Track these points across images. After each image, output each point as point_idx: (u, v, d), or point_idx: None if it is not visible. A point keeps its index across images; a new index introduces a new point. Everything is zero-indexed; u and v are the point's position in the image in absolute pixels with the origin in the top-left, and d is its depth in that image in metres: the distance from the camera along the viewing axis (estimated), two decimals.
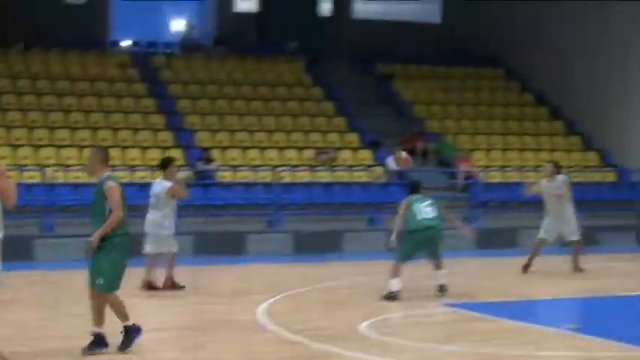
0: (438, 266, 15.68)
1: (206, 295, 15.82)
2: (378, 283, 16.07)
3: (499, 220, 26.05)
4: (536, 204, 23.48)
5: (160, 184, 16.07)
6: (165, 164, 16.21)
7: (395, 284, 15.10)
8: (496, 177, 28.13)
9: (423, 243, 15.54)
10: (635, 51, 29.23)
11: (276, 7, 34.53)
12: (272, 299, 15.03)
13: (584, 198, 24.14)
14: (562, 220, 18.88)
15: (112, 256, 10.56)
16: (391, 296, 14.98)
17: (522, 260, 18.99)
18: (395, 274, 15.18)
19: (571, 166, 27.91)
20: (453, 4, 36.70)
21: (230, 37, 33.66)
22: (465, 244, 21.95)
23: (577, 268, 18.79)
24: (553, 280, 18.22)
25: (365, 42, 34.07)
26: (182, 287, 16.10)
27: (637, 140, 29.12)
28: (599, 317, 14.33)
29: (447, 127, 30.14)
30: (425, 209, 15.53)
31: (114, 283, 10.63)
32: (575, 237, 18.86)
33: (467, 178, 27.22)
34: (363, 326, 12.48)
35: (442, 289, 15.48)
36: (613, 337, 11.82)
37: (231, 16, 35.35)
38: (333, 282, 17.60)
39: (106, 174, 10.75)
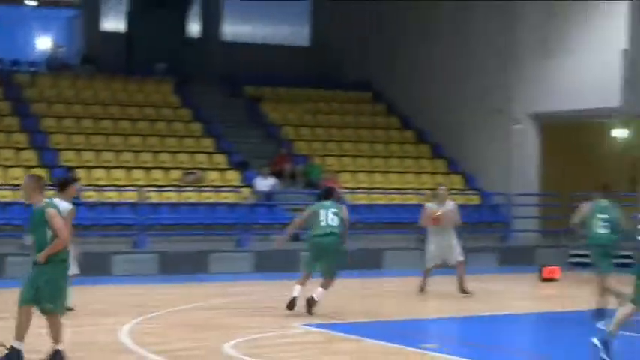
0: (324, 285, 15.79)
1: (70, 316, 15.55)
2: (244, 303, 16.07)
3: (365, 241, 26.28)
4: (402, 225, 23.92)
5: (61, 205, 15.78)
6: (63, 184, 15.71)
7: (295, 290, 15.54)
8: (362, 199, 28.40)
9: (320, 250, 15.74)
10: (493, 77, 29.85)
11: (144, 27, 34.22)
12: (137, 320, 14.88)
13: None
14: (444, 244, 18.96)
15: (53, 277, 10.92)
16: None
17: (388, 281, 19.21)
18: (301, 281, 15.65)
19: (433, 189, 28.35)
20: (322, 27, 37.08)
21: (98, 57, 33.29)
22: None
23: (463, 290, 18.79)
24: (417, 301, 18.44)
25: (234, 64, 34.13)
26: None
27: (498, 164, 29.74)
28: (459, 337, 14.62)
29: (314, 150, 30.32)
30: (331, 216, 15.70)
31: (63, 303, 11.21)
32: (460, 257, 18.92)
33: None
34: (228, 347, 12.45)
35: (309, 304, 15.55)
36: (470, 356, 12.07)
37: (99, 36, 34.94)
38: (199, 302, 17.51)
39: (45, 200, 11.02)
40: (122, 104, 30.10)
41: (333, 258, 15.80)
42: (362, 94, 34.37)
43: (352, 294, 19.01)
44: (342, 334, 13.77)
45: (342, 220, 15.81)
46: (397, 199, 28.28)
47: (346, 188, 28.11)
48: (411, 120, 32.93)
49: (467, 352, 12.73)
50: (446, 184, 29.38)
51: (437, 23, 31.76)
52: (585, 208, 16.25)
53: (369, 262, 24.77)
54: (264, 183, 26.92)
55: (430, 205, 19.20)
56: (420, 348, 12.65)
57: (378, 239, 26.52)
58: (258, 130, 31.23)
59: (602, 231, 15.99)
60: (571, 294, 20.07)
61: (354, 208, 27.27)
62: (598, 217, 15.98)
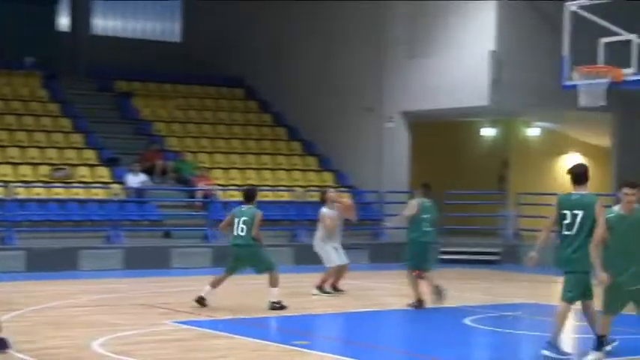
0: (271, 282, 16.00)
1: None
2: (114, 300, 15.83)
3: None
4: (274, 222, 23.92)
5: None
6: None
7: (207, 289, 15.74)
8: (235, 195, 28.26)
9: (236, 257, 16.06)
10: (365, 75, 30.05)
11: (11, 20, 33.41)
12: (2, 318, 14.49)
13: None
14: (338, 242, 18.98)
15: None
16: None
17: (260, 277, 19.09)
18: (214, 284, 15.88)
19: (309, 186, 28.48)
20: (193, 23, 36.84)
21: None
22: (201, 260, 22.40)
23: (335, 287, 18.78)
24: (288, 298, 18.40)
25: (104, 58, 33.67)
26: None
27: (370, 162, 29.95)
28: (330, 334, 14.66)
29: (186, 146, 30.08)
30: (241, 225, 15.82)
31: None
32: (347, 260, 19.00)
33: (205, 196, 27.21)
34: (96, 344, 12.22)
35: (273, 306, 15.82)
36: (340, 353, 12.11)
37: None
38: (67, 300, 17.18)
39: None
40: None
41: (253, 262, 16.05)
42: (235, 90, 34.28)
43: (224, 290, 18.89)
44: (212, 331, 13.67)
45: (250, 228, 15.80)
46: (270, 196, 28.22)
47: (218, 185, 28.01)
48: (284, 117, 32.96)
49: (338, 349, 12.77)
50: (317, 181, 29.78)
51: (311, 21, 31.77)
52: (413, 205, 16.60)
53: None
54: (135, 179, 26.60)
55: (325, 211, 18.96)
56: (291, 345, 12.62)
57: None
58: (128, 125, 30.81)
59: (427, 229, 16.61)
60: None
61: (226, 205, 27.32)
62: (423, 216, 16.58)
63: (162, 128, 30.72)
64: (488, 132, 32.90)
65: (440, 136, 31.71)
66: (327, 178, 30.38)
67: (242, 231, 15.79)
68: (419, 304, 16.68)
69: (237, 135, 31.58)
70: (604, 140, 29.90)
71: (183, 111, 32.07)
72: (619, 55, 14.84)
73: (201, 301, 15.89)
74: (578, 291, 11.72)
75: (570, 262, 11.57)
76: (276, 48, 33.09)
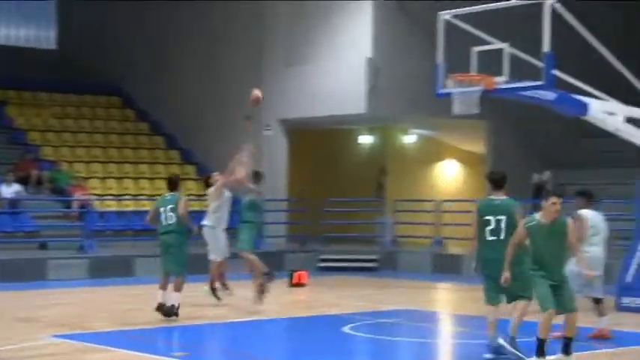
0: (176, 287, 15.62)
1: None
2: None
3: (113, 248, 25.92)
4: (151, 232, 23.58)
5: None
6: None
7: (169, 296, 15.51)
8: (112, 205, 28.00)
9: (163, 248, 15.69)
10: (243, 83, 29.92)
11: None
12: None
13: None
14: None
15: None
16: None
17: (138, 288, 18.90)
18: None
19: (189, 195, 28.27)
20: (69, 29, 36.30)
21: None
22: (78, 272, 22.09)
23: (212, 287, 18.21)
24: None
25: None
26: None
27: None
28: (211, 344, 14.57)
29: (62, 155, 29.60)
30: (169, 213, 15.51)
31: None
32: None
33: (82, 206, 26.79)
34: None
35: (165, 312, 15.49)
36: None
37: None
38: None
39: None
40: None
41: (174, 256, 15.60)
42: (112, 98, 33.88)
43: (102, 302, 18.69)
44: (92, 345, 13.44)
45: (178, 215, 15.53)
46: (148, 205, 27.92)
47: (95, 194, 27.65)
48: (162, 125, 32.71)
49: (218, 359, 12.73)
50: (197, 189, 29.57)
51: (190, 27, 31.57)
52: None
53: (120, 270, 24.27)
54: (9, 190, 26.04)
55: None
56: (171, 357, 12.53)
57: (129, 246, 26.20)
58: (2, 134, 30.19)
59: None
60: (318, 299, 20.38)
61: (103, 215, 27.02)
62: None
63: (37, 137, 30.13)
64: (365, 139, 33.22)
65: (318, 144, 31.86)
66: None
67: (171, 219, 15.46)
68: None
69: (114, 144, 31.23)
70: (479, 147, 30.40)
71: (59, 119, 31.58)
72: (492, 63, 15.09)
73: (162, 309, 15.57)
74: (505, 292, 11.95)
75: (499, 266, 11.67)
76: (154, 55, 32.81)
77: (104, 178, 29.20)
